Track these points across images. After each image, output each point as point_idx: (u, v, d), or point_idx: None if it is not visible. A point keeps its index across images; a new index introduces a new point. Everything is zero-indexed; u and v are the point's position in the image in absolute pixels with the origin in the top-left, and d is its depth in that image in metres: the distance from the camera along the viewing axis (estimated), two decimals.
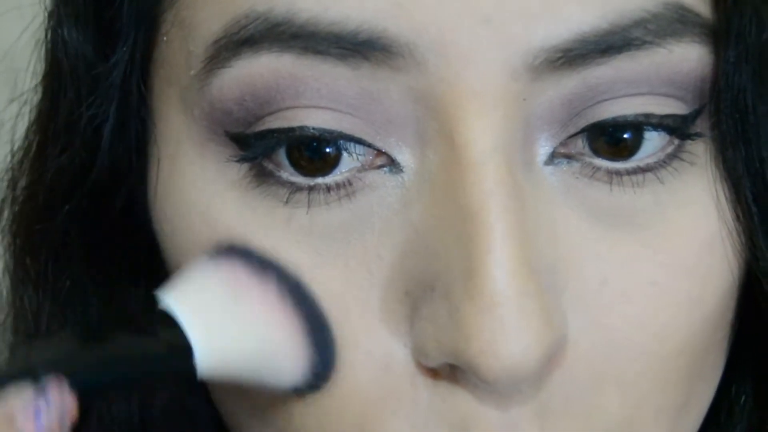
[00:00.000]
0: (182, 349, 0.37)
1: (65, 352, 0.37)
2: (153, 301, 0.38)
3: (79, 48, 0.43)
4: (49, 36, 0.45)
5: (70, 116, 0.43)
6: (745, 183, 0.40)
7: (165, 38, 0.41)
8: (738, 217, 0.40)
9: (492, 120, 0.37)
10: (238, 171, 0.39)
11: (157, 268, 0.44)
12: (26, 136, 0.47)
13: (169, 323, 0.38)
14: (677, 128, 0.39)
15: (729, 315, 0.42)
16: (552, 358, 0.37)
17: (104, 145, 0.43)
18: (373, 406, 0.39)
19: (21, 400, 0.34)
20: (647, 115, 0.38)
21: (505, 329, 0.36)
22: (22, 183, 0.47)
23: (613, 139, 0.39)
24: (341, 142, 0.38)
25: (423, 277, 0.38)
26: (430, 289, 0.37)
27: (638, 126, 0.38)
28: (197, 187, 0.40)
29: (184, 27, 0.40)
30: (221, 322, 0.38)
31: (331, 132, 0.38)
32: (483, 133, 0.37)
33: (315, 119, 0.38)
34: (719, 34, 0.39)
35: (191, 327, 0.37)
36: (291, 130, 0.38)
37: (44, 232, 0.45)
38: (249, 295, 0.38)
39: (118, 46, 0.42)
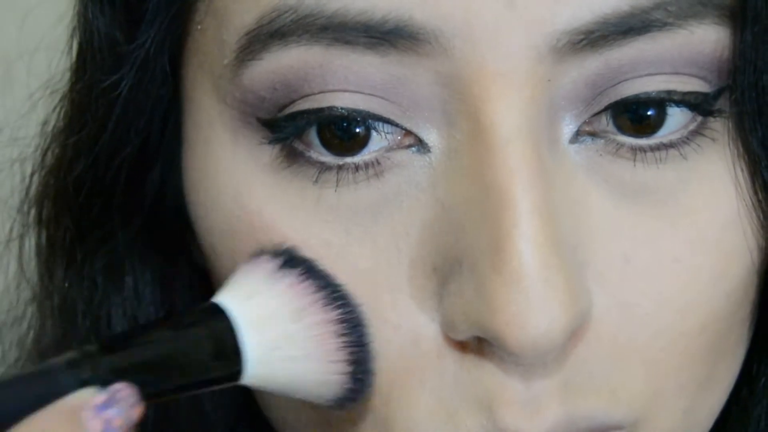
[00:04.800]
0: (234, 359, 0.38)
1: (129, 359, 0.37)
2: (208, 305, 0.39)
3: (105, 29, 0.44)
4: (78, 17, 0.46)
5: (89, 91, 0.44)
6: (762, 162, 0.40)
7: (199, 27, 0.42)
8: (757, 194, 0.41)
9: (517, 101, 0.37)
10: (269, 153, 0.40)
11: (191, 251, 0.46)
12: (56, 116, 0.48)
13: (226, 334, 0.38)
14: (699, 105, 0.40)
15: (751, 293, 0.42)
16: (576, 332, 0.38)
17: (114, 121, 0.43)
18: (400, 378, 0.40)
19: (90, 402, 0.35)
20: (669, 92, 0.39)
21: (530, 301, 0.37)
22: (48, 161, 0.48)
23: (636, 116, 0.39)
24: (370, 121, 0.39)
25: (451, 253, 0.39)
26: (458, 265, 0.38)
27: (661, 102, 0.39)
28: (229, 171, 0.41)
29: (218, 16, 0.41)
30: (276, 337, 0.39)
31: (359, 112, 0.39)
32: (508, 114, 0.37)
33: (343, 100, 0.39)
34: (737, 15, 0.39)
35: (247, 336, 0.38)
36: (320, 110, 0.39)
37: (74, 210, 0.46)
38: (308, 315, 0.39)
39: (144, 29, 0.42)
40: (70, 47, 0.46)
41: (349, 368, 0.39)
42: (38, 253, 0.49)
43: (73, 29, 0.46)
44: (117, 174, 0.45)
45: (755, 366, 0.46)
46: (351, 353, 0.39)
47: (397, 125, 0.39)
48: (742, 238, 0.41)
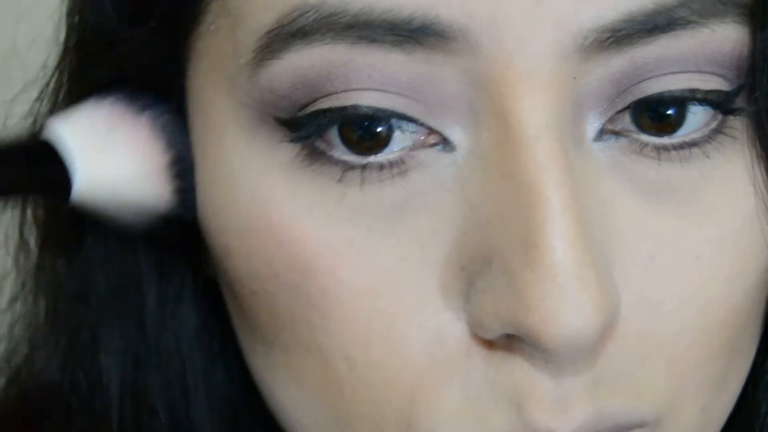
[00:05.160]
0: (61, 162, 0.42)
1: None
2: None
3: (102, 18, 0.44)
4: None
5: (82, 78, 0.45)
6: None
7: (212, 27, 0.41)
8: None
9: (544, 99, 0.37)
10: (289, 152, 0.40)
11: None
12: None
13: (52, 143, 0.42)
14: (721, 103, 0.40)
15: (765, 291, 0.43)
16: (607, 330, 0.38)
17: None
18: (424, 378, 0.39)
19: None
20: (692, 90, 0.39)
21: (565, 298, 0.37)
22: None
23: (657, 115, 0.40)
24: (393, 120, 0.39)
25: (479, 251, 0.38)
26: (487, 263, 0.38)
27: (683, 101, 0.40)
28: (245, 171, 0.41)
29: (231, 16, 0.40)
30: (98, 148, 0.42)
31: (383, 111, 0.39)
32: (536, 111, 0.37)
33: (367, 99, 0.39)
34: (756, 14, 0.40)
35: (72, 148, 0.42)
36: (343, 109, 0.39)
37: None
38: (124, 129, 0.43)
39: (144, 20, 0.42)
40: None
41: (177, 180, 0.43)
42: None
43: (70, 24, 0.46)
44: None
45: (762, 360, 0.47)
46: (173, 160, 0.42)
47: (421, 124, 0.39)
48: (759, 236, 0.41)
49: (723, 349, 0.41)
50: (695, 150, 0.40)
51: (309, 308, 0.40)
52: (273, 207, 0.40)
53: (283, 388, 0.43)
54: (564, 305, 0.37)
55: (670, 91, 0.39)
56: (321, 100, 0.39)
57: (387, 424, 0.40)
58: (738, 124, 0.41)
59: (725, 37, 0.39)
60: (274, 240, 0.40)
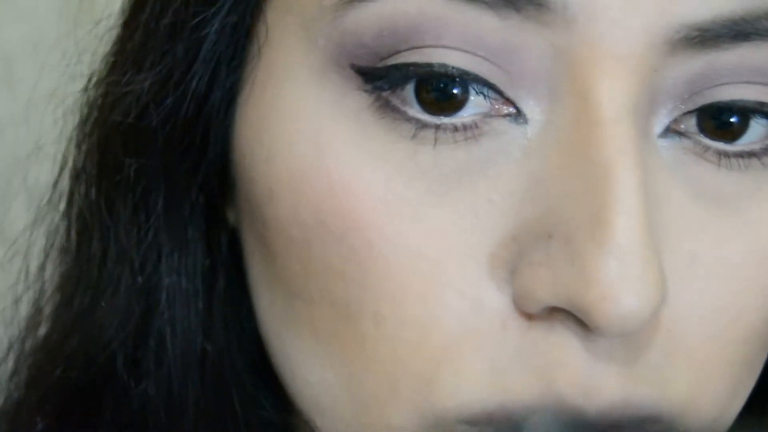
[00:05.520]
0: None
1: None
2: None
3: None
4: None
5: (175, 22, 0.43)
6: None
7: None
8: None
9: (627, 84, 0.38)
10: (361, 102, 0.40)
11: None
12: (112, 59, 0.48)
13: None
14: None
15: None
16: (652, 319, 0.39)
17: (203, 56, 0.43)
18: (455, 342, 0.39)
19: None
20: (761, 104, 0.40)
21: (628, 278, 0.37)
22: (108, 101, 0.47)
23: (721, 122, 0.41)
24: (473, 85, 0.39)
25: (538, 224, 0.39)
26: (545, 237, 0.38)
27: (751, 111, 0.40)
28: (309, 115, 0.41)
29: None
30: None
31: (468, 73, 0.39)
32: (617, 95, 0.38)
33: (454, 59, 0.39)
34: None
35: None
36: (429, 65, 0.39)
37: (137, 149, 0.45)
38: None
39: None
40: None
41: None
42: (96, 194, 0.48)
43: None
44: (194, 108, 0.44)
45: None
46: None
47: (500, 92, 0.39)
48: None
49: (740, 363, 0.42)
50: (754, 160, 0.41)
51: (347, 260, 0.40)
52: (332, 154, 0.40)
53: (298, 342, 0.43)
54: (626, 284, 0.37)
55: (741, 100, 0.40)
56: (405, 52, 0.39)
57: (404, 384, 0.40)
58: None
59: None
60: (328, 187, 0.40)
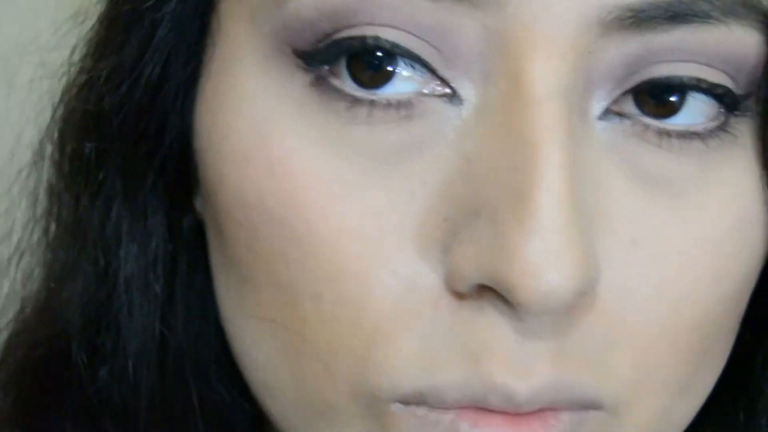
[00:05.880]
0: None
1: None
2: None
3: None
4: None
5: (131, 9, 0.45)
6: None
7: None
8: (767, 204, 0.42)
9: (559, 65, 0.38)
10: (300, 84, 0.41)
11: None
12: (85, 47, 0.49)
13: None
14: (726, 100, 0.41)
15: (743, 304, 0.43)
16: (579, 301, 0.38)
17: (156, 44, 0.44)
18: (388, 321, 0.39)
19: None
20: (699, 80, 0.40)
21: (549, 254, 0.37)
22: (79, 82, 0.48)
23: (658, 99, 0.40)
24: (405, 59, 0.39)
25: (468, 203, 0.39)
26: (475, 215, 0.38)
27: (688, 87, 0.40)
28: (255, 101, 0.41)
29: None
30: None
31: (400, 47, 0.39)
32: (549, 75, 0.38)
33: (387, 33, 0.39)
34: None
35: None
36: (363, 38, 0.39)
37: (97, 134, 0.46)
38: None
39: None
40: None
41: None
42: (57, 178, 0.49)
43: None
44: (148, 96, 0.45)
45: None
46: None
47: (433, 72, 0.40)
48: (748, 244, 0.42)
49: (691, 352, 0.41)
50: (696, 141, 0.41)
51: (289, 241, 0.40)
52: (276, 137, 0.41)
53: (248, 325, 0.43)
54: (547, 260, 0.37)
55: (677, 76, 0.40)
56: (342, 31, 0.39)
57: (341, 364, 0.40)
58: (743, 128, 0.42)
59: (741, 39, 0.40)
60: (268, 169, 0.41)
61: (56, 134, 0.49)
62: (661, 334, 0.41)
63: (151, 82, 0.45)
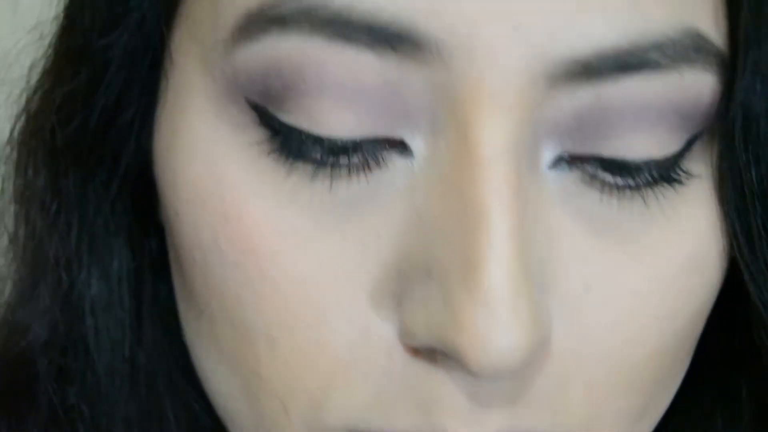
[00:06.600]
0: None
1: None
2: None
3: None
4: None
5: (83, 44, 0.44)
6: (733, 216, 0.42)
7: None
8: (728, 241, 0.42)
9: (506, 121, 0.38)
10: (254, 137, 0.40)
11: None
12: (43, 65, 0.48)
13: None
14: (669, 167, 0.41)
15: (697, 331, 0.44)
16: (533, 356, 0.39)
17: (109, 78, 0.44)
18: (344, 366, 0.40)
19: None
20: (647, 162, 0.40)
21: (497, 325, 0.37)
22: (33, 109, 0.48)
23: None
24: (363, 141, 0.39)
25: (419, 259, 0.39)
26: (426, 273, 0.39)
27: (636, 168, 0.40)
28: (207, 144, 0.41)
29: None
30: None
31: (354, 141, 0.39)
32: (496, 133, 0.38)
33: (340, 123, 0.39)
34: (727, 64, 0.40)
35: None
36: (319, 137, 0.39)
37: (53, 158, 0.46)
38: None
39: None
40: None
41: None
42: (15, 200, 0.49)
43: None
44: (102, 126, 0.45)
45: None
46: None
47: (385, 138, 0.39)
48: (700, 279, 0.42)
49: (647, 381, 0.42)
50: (636, 195, 0.40)
51: (242, 285, 0.41)
52: (227, 183, 0.41)
53: (206, 356, 0.44)
54: (495, 332, 0.37)
55: (633, 161, 0.40)
56: (293, 105, 0.39)
57: (296, 404, 0.41)
58: (697, 164, 0.41)
59: (693, 83, 0.40)
60: (223, 215, 0.41)
61: (14, 155, 0.49)
62: (615, 369, 0.41)
63: (106, 112, 0.45)
